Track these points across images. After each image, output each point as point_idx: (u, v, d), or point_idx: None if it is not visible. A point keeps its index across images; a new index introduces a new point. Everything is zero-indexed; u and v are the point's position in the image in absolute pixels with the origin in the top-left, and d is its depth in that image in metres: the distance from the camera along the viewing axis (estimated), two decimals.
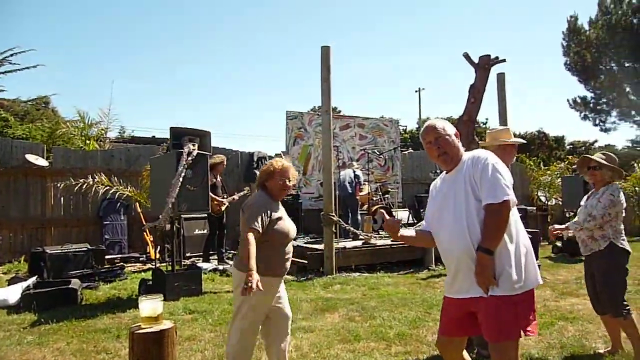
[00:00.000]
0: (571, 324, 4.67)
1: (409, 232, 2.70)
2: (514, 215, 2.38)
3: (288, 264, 3.09)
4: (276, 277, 3.01)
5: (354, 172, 9.85)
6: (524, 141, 3.97)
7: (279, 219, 3.03)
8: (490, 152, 2.52)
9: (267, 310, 2.99)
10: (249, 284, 2.56)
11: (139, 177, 7.96)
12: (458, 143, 2.54)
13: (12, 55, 13.60)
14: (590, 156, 3.90)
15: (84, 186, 7.57)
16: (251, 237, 2.82)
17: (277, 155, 11.85)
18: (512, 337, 2.32)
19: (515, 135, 3.93)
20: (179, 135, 5.80)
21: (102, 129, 12.41)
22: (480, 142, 3.98)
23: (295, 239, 3.26)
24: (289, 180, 3.13)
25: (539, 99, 62.97)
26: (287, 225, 3.07)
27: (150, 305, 1.99)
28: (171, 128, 5.86)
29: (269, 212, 2.98)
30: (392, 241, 8.60)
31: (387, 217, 2.56)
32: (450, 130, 2.55)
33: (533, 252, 2.47)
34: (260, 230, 2.88)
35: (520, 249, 2.37)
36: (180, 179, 5.62)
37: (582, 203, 3.97)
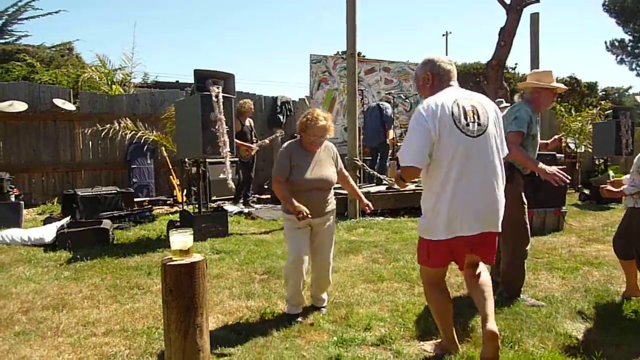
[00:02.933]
0: (596, 269, 4.65)
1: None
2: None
3: (314, 210, 3.28)
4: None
5: (379, 105, 9.27)
6: (565, 87, 3.80)
7: (299, 166, 3.33)
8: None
9: (303, 242, 3.37)
10: (300, 214, 3.16)
11: (163, 121, 7.99)
12: None
13: (34, 0, 13.48)
14: None
15: (111, 131, 7.66)
16: (277, 184, 3.35)
17: (300, 99, 11.74)
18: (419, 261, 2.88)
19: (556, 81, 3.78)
20: (203, 78, 5.74)
21: (127, 74, 12.41)
22: (519, 84, 3.84)
23: None
24: (321, 138, 3.37)
25: (572, 44, 60.22)
26: (305, 175, 3.32)
27: (182, 239, 2.03)
28: (195, 70, 5.79)
29: (290, 160, 3.34)
30: (415, 186, 8.58)
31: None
32: None
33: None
34: (284, 175, 3.34)
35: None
36: (223, 121, 5.64)
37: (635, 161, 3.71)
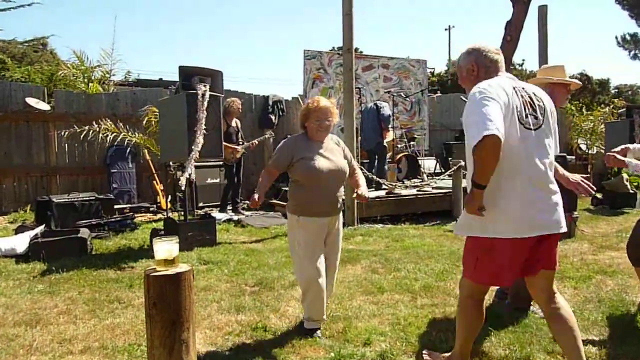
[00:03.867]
0: (610, 278, 4.68)
1: None
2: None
3: (329, 205, 3.37)
4: (311, 217, 3.33)
5: (376, 105, 9.35)
6: (579, 83, 3.84)
7: (305, 158, 3.31)
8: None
9: (320, 250, 3.36)
10: (253, 204, 3.29)
11: (144, 121, 7.98)
12: None
13: None
14: None
15: (90, 132, 7.62)
16: (265, 174, 3.46)
17: (294, 98, 11.75)
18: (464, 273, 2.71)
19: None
20: (189, 75, 5.74)
21: (106, 72, 12.36)
22: (529, 80, 3.86)
23: None
24: (327, 121, 3.36)
25: (582, 39, 60.73)
26: (316, 165, 3.29)
27: (166, 247, 2.02)
28: (180, 67, 5.80)
29: (293, 152, 3.35)
30: (417, 191, 8.60)
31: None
32: None
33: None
34: (279, 169, 3.42)
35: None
36: (203, 125, 5.63)
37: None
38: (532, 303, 3.80)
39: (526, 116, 2.47)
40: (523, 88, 2.57)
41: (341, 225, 3.59)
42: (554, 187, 2.57)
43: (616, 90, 28.27)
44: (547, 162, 2.53)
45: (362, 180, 3.63)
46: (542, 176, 2.50)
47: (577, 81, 3.79)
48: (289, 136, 3.74)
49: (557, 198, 2.56)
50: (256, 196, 3.32)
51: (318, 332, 3.39)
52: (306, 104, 3.46)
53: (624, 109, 9.94)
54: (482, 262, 2.54)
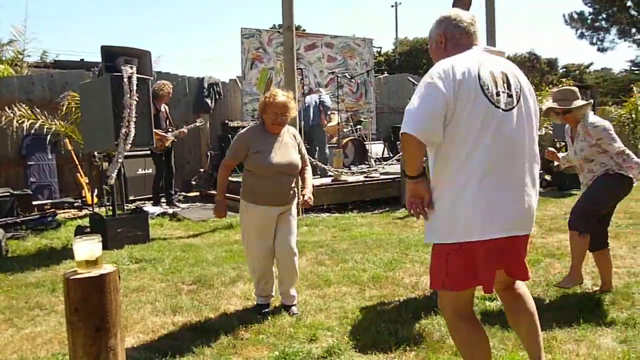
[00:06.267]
0: (558, 261, 4.92)
1: None
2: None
3: (279, 196, 3.66)
4: (260, 205, 3.61)
5: (320, 97, 9.78)
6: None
7: (259, 152, 3.58)
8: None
9: (267, 236, 3.69)
10: (218, 213, 3.85)
11: (64, 107, 7.65)
12: None
13: None
14: (552, 106, 4.02)
15: (3, 119, 7.25)
16: (223, 170, 3.77)
17: (231, 81, 11.61)
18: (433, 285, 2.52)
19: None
20: (113, 56, 5.58)
21: (18, 51, 11.78)
22: None
23: None
24: (282, 116, 3.62)
25: (529, 17, 63.06)
26: (268, 159, 3.57)
27: (87, 247, 1.95)
28: (103, 47, 5.62)
29: (249, 143, 3.62)
30: (365, 177, 8.72)
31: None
32: None
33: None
34: (236, 160, 3.72)
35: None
36: (134, 112, 5.53)
37: (568, 142, 4.19)
38: None
39: (497, 93, 2.26)
40: (495, 62, 2.37)
41: (295, 209, 3.83)
42: (532, 182, 2.37)
43: (564, 69, 29.63)
44: (522, 149, 2.33)
45: (309, 181, 3.88)
46: (516, 166, 2.31)
47: None
48: (227, 122, 4.02)
49: (533, 195, 2.37)
50: (221, 205, 3.80)
51: (267, 308, 3.78)
52: (265, 96, 3.68)
53: None
54: (452, 265, 2.31)
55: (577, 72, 28.87)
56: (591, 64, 30.24)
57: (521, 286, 2.58)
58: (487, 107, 2.22)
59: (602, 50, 25.70)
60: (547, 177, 10.28)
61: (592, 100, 3.94)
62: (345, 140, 10.06)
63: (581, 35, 25.50)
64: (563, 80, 15.31)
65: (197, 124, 8.79)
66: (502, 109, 2.25)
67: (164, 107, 8.19)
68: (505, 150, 2.26)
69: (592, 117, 3.92)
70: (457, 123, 2.20)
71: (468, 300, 2.45)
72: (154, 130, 7.52)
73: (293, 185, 3.75)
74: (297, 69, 8.27)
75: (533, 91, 2.46)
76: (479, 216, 2.23)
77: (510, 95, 2.30)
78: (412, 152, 2.25)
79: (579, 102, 3.95)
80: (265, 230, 3.69)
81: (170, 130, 8.17)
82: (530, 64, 27.57)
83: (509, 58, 3.86)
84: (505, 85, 2.30)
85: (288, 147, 3.70)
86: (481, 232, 2.23)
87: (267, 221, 3.68)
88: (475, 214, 2.23)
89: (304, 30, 21.59)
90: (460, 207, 2.24)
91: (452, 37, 2.46)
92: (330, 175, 8.54)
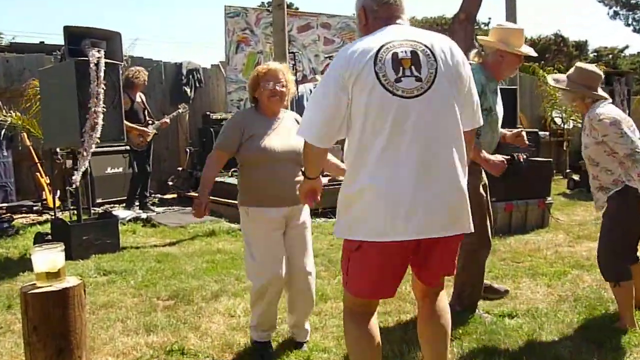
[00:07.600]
0: (587, 273, 4.95)
1: None
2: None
3: (282, 191, 3.28)
4: (262, 207, 3.29)
5: (315, 86, 9.75)
6: (534, 53, 3.96)
7: (255, 136, 3.30)
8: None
9: (277, 248, 3.33)
10: (197, 212, 3.31)
11: (23, 98, 7.66)
12: None
13: None
14: (551, 83, 4.07)
15: None
16: (211, 160, 3.40)
17: (213, 66, 11.61)
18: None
19: (526, 41, 3.94)
20: (78, 38, 5.58)
21: None
22: (481, 39, 3.97)
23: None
24: (279, 84, 3.35)
25: None
26: (268, 144, 3.29)
27: (48, 256, 1.96)
28: (66, 28, 5.61)
29: (243, 127, 3.34)
30: None
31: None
32: None
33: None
34: (228, 149, 3.36)
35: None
36: (101, 102, 5.52)
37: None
38: (478, 305, 3.97)
39: (399, 79, 2.26)
40: (408, 40, 2.34)
41: (308, 217, 3.56)
42: (448, 172, 2.35)
43: (595, 53, 29.70)
44: (436, 140, 2.32)
45: (334, 160, 3.45)
46: (425, 159, 2.29)
47: (532, 52, 3.90)
48: (209, 113, 3.77)
49: (449, 187, 2.35)
50: (202, 203, 3.33)
51: (270, 346, 3.46)
52: (253, 71, 3.49)
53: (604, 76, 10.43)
54: (353, 267, 2.40)
55: (610, 56, 28.95)
56: (626, 47, 30.27)
57: (442, 300, 2.63)
58: (383, 95, 2.25)
59: (638, 31, 25.81)
60: (575, 177, 10.31)
61: (602, 94, 3.67)
62: None
63: (615, 15, 25.61)
64: (594, 65, 15.32)
65: (180, 110, 8.84)
66: (404, 97, 2.26)
67: (139, 97, 8.20)
68: (412, 141, 2.27)
69: (601, 108, 3.62)
70: (357, 114, 2.28)
71: (366, 302, 2.50)
72: (132, 125, 7.59)
73: (298, 178, 3.25)
74: (289, 52, 8.29)
75: (467, 71, 2.46)
76: (381, 216, 2.28)
77: (419, 79, 2.28)
78: (312, 159, 2.50)
79: (578, 89, 3.77)
80: (273, 240, 3.33)
81: (150, 122, 8.18)
82: (557, 48, 27.63)
83: (530, 42, 3.89)
84: (414, 67, 2.29)
85: (290, 132, 3.31)
86: (383, 233, 2.27)
87: (277, 226, 3.36)
88: (377, 213, 2.28)
89: (297, 8, 21.64)
90: (363, 205, 2.31)
91: (370, 10, 2.47)
92: (326, 175, 8.54)
